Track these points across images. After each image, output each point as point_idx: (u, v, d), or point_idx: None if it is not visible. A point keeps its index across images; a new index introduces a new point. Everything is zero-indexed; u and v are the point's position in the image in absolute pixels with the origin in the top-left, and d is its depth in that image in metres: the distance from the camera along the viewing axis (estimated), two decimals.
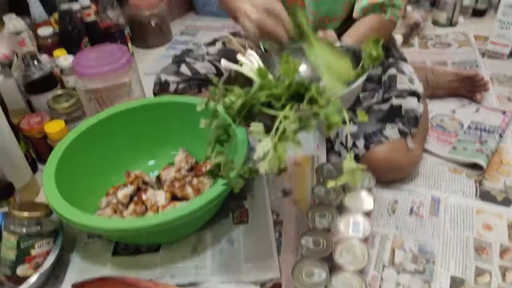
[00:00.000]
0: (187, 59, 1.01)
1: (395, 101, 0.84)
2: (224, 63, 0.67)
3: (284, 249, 0.75)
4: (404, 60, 0.98)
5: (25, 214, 0.68)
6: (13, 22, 0.94)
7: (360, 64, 0.67)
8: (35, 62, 0.98)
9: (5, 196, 0.78)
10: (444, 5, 1.47)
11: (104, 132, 0.86)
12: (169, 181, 0.86)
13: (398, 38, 1.40)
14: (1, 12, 1.46)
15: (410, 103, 0.84)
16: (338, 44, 0.76)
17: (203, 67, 1.00)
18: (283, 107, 0.53)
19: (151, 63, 1.46)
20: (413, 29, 1.45)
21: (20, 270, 0.68)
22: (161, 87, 0.98)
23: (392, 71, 0.89)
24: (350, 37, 0.82)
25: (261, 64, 0.64)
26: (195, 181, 0.86)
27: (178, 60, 1.03)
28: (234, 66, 0.65)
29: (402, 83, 0.86)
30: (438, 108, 1.09)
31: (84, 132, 0.83)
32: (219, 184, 0.69)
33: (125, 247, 0.77)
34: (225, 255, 0.74)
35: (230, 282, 0.69)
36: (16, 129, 0.92)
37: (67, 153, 0.79)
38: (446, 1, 1.46)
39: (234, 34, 1.09)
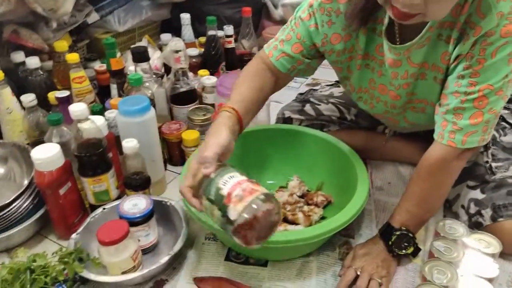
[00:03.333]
0: (312, 99, 1.07)
1: None
2: None
3: None
4: None
5: None
6: (175, 41, 1.09)
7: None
8: (185, 78, 1.12)
9: (144, 187, 0.90)
10: None
11: (236, 147, 0.95)
12: (281, 203, 0.91)
13: None
14: (157, 31, 1.70)
15: None
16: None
17: (327, 109, 1.05)
18: None
19: None
20: None
21: None
22: (284, 123, 1.05)
23: None
24: (396, 221, 0.77)
25: None
26: (306, 208, 0.90)
27: (303, 99, 1.09)
28: None
29: None
30: None
31: None
32: (343, 215, 0.73)
33: (237, 255, 0.82)
34: (329, 286, 0.76)
35: None
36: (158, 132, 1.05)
37: None
38: None
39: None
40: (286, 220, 0.88)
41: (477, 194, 0.83)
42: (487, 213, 0.80)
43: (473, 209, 0.83)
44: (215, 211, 0.63)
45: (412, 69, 0.75)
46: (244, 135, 0.95)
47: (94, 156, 0.82)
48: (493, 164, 0.83)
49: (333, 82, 1.18)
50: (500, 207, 0.79)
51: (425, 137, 0.99)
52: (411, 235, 0.76)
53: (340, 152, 0.91)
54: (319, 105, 1.07)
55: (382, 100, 0.85)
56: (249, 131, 0.95)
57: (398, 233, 0.75)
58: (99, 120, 0.88)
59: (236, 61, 1.44)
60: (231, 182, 0.63)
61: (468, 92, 0.68)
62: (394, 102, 0.83)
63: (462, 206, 0.85)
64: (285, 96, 1.21)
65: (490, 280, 0.69)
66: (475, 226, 0.82)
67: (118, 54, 1.13)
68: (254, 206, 0.60)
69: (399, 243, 0.76)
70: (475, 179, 0.84)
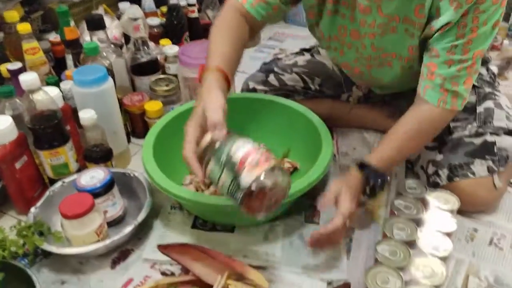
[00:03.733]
0: (275, 69, 1.05)
1: (489, 138, 0.83)
2: None
3: (353, 254, 0.76)
4: (499, 91, 0.95)
5: None
6: (133, 9, 1.05)
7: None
8: (145, 48, 1.08)
9: (105, 160, 0.87)
10: None
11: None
12: None
13: (494, 69, 1.35)
14: (116, 1, 1.63)
15: (505, 142, 0.82)
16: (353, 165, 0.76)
17: (290, 80, 1.04)
18: None
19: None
20: (509, 63, 1.40)
21: None
22: None
23: (489, 103, 0.86)
24: (373, 158, 0.76)
25: None
26: None
27: (267, 69, 1.07)
28: None
29: (499, 120, 0.83)
30: None
31: (181, 114, 0.91)
32: (307, 178, 0.74)
33: (203, 222, 0.82)
34: (295, 248, 0.77)
35: (298, 274, 0.72)
36: (119, 104, 1.02)
37: (164, 130, 0.87)
38: None
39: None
40: None
41: (435, 154, 0.85)
42: (444, 173, 0.82)
43: (431, 169, 0.85)
44: (224, 177, 0.60)
45: (380, 19, 0.75)
46: None
47: (49, 128, 0.79)
48: (452, 124, 0.85)
49: (298, 51, 1.17)
50: (456, 167, 0.82)
51: (388, 104, 1.01)
52: (387, 180, 0.77)
53: (305, 120, 0.91)
54: (282, 75, 1.06)
55: (354, 45, 0.84)
56: None
57: (379, 180, 0.75)
58: (53, 91, 0.84)
59: (200, 31, 1.40)
60: (246, 148, 0.60)
61: (463, 60, 0.71)
62: (361, 51, 0.83)
63: (422, 167, 0.88)
64: (251, 67, 1.19)
65: (448, 235, 0.71)
66: (433, 186, 0.84)
67: (72, 23, 1.07)
68: (270, 174, 0.58)
69: (375, 188, 0.76)
70: (433, 140, 0.86)
